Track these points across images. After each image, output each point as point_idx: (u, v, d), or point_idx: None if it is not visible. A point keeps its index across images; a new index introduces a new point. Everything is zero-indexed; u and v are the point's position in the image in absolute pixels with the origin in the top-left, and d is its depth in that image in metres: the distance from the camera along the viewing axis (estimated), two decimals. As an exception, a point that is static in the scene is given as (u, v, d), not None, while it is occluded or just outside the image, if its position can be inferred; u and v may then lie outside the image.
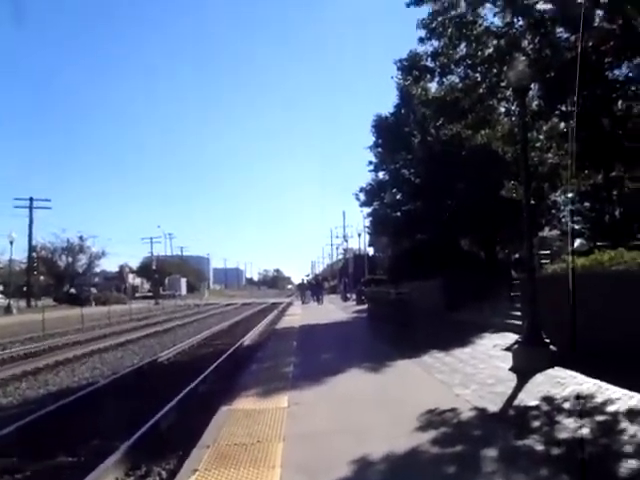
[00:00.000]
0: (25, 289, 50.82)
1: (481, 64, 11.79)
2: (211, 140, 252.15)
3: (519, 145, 9.37)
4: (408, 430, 5.04)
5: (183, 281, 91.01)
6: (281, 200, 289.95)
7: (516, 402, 6.04)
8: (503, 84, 11.50)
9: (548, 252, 17.21)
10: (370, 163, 26.09)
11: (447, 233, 21.76)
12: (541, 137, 13.17)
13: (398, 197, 25.43)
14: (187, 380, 9.17)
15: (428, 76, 12.79)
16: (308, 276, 69.94)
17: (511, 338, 10.32)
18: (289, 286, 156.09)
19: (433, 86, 14.93)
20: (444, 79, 12.79)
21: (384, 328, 14.51)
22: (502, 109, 13.28)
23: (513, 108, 12.57)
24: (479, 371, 8.07)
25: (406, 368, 8.76)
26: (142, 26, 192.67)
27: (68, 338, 19.23)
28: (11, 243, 41.63)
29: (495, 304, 14.93)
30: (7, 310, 35.29)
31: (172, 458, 5.47)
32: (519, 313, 11.67)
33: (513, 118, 12.75)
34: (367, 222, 38.55)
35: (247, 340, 16.36)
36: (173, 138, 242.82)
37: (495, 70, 11.51)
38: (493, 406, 5.85)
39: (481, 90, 12.14)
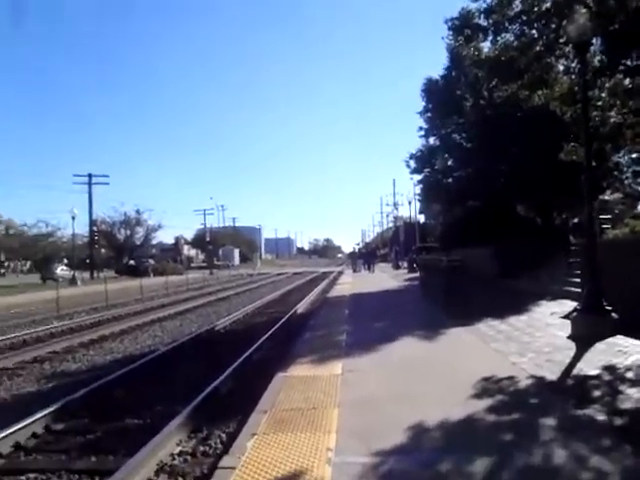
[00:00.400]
0: (88, 262, 53.32)
1: (538, 20, 11.16)
2: (262, 112, 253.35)
3: (579, 104, 8.89)
4: (463, 398, 5.02)
5: (236, 251, 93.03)
6: (332, 169, 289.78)
7: (575, 371, 5.90)
8: (562, 40, 10.87)
9: (609, 217, 16.47)
10: (420, 129, 25.51)
11: (501, 199, 21.14)
12: (603, 95, 12.41)
13: (449, 163, 24.82)
14: (243, 347, 9.43)
15: (481, 35, 12.24)
16: (358, 245, 69.98)
17: (569, 306, 10.03)
18: (339, 255, 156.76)
19: (486, 46, 14.30)
20: (498, 38, 12.21)
21: (437, 296, 14.38)
22: (561, 67, 12.58)
23: (573, 65, 11.89)
24: (536, 339, 7.91)
25: (460, 336, 8.68)
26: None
27: (129, 308, 20.09)
28: (73, 218, 43.51)
29: (552, 271, 14.49)
30: (72, 282, 37.19)
31: (231, 422, 5.68)
32: (578, 280, 11.29)
33: (573, 76, 12.06)
34: (418, 189, 37.94)
35: (300, 308, 16.62)
36: (225, 111, 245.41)
37: (553, 25, 10.87)
38: (551, 375, 5.74)
39: (538, 48, 11.52)
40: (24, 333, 13.50)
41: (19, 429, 5.37)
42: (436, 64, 26.13)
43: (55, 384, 8.19)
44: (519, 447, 3.80)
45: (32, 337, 12.96)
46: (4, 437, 5.14)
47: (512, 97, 16.12)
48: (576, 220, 24.97)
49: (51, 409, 5.99)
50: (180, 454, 4.89)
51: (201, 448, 5.04)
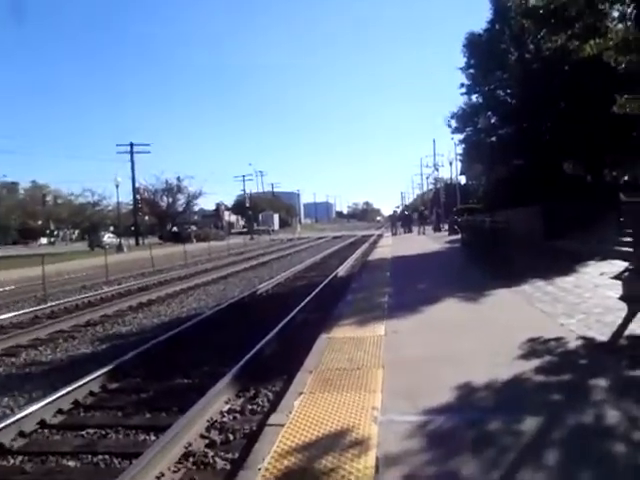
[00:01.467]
0: (133, 229, 54.81)
1: (591, -37, 10.46)
2: (298, 80, 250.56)
3: (636, 54, 8.35)
4: (510, 358, 4.96)
5: (275, 217, 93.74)
6: (370, 132, 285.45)
7: (627, 332, 5.71)
8: (618, -17, 10.17)
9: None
10: (462, 85, 24.62)
11: (547, 157, 20.35)
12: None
13: (493, 121, 23.98)
14: (286, 310, 9.56)
15: (529, -17, 11.58)
16: (398, 207, 69.20)
17: (620, 266, 9.64)
18: (378, 218, 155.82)
19: (533, -6, 13.53)
20: (547, -16, 11.52)
21: (479, 258, 14.15)
22: (615, 13, 11.79)
23: (629, 11, 11.13)
24: (584, 300, 7.70)
25: (504, 297, 8.54)
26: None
27: (174, 273, 20.63)
28: (117, 187, 44.78)
29: (602, 231, 13.97)
30: (119, 248, 38.39)
31: (277, 382, 5.80)
32: (630, 239, 10.85)
33: (629, 23, 11.32)
34: (459, 149, 37.02)
35: (341, 272, 16.68)
36: (264, 78, 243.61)
37: (608, -32, 10.17)
38: (601, 336, 5.58)
39: (591, -7, 10.83)
40: (76, 298, 14.07)
41: (77, 387, 5.64)
42: (479, 18, 25.11)
43: (108, 346, 8.54)
44: (570, 408, 3.74)
45: (84, 302, 13.49)
46: (64, 395, 5.41)
47: (560, 49, 15.29)
48: (627, 177, 23.91)
49: (106, 369, 6.26)
50: (229, 412, 5.04)
51: (249, 406, 5.18)
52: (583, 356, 5.00)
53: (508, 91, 22.76)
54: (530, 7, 12.19)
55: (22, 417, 4.82)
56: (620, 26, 11.93)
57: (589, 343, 5.36)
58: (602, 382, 4.22)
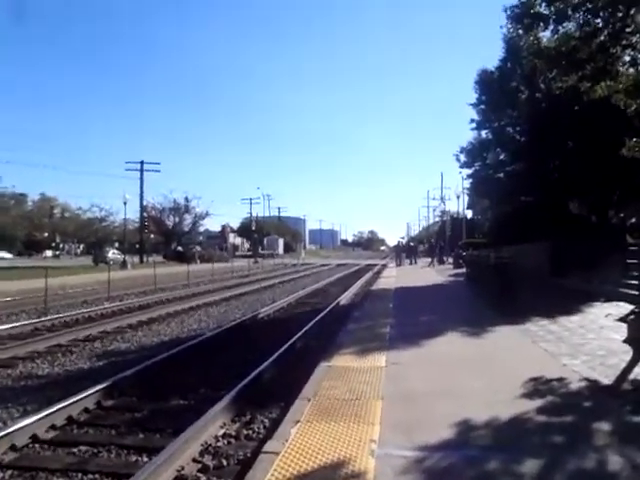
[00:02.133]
0: (137, 246, 54.98)
1: (604, 8, 10.62)
2: (307, 106, 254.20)
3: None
4: (511, 397, 4.89)
5: (280, 241, 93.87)
6: (378, 162, 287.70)
7: (632, 376, 5.64)
8: (629, 29, 10.33)
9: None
10: (472, 121, 24.88)
11: (554, 195, 20.41)
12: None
13: (502, 157, 24.16)
14: (286, 336, 9.48)
15: (541, 24, 11.73)
16: (403, 238, 69.18)
17: (626, 308, 9.58)
18: (382, 247, 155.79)
19: (545, 36, 13.73)
20: (559, 27, 11.68)
21: (484, 293, 14.09)
22: (627, 57, 11.96)
23: (640, 56, 11.30)
24: (588, 341, 7.63)
25: (507, 334, 8.46)
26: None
27: (176, 292, 20.57)
28: (125, 204, 45.10)
29: (607, 272, 13.89)
30: (123, 265, 38.43)
31: (274, 408, 5.72)
32: (635, 282, 10.80)
33: (640, 68, 11.48)
34: (467, 184, 37.15)
35: (343, 300, 16.60)
36: (271, 102, 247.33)
37: (620, 14, 10.33)
38: (605, 379, 5.51)
39: (602, 37, 10.98)
40: (77, 312, 14.03)
41: (72, 403, 5.58)
42: (491, 56, 25.51)
43: (105, 362, 8.48)
44: (570, 451, 3.67)
45: (84, 317, 13.45)
46: (58, 410, 5.35)
47: (570, 90, 15.46)
48: (634, 220, 23.90)
49: (102, 386, 6.20)
50: (224, 436, 4.96)
51: (244, 432, 5.09)
52: (586, 398, 4.92)
53: (517, 128, 22.96)
54: (542, 48, 12.35)
55: (14, 431, 4.75)
56: (631, 70, 12.09)
57: (592, 385, 5.28)
58: (605, 426, 4.15)
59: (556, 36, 11.91)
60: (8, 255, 44.01)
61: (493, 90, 22.53)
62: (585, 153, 17.62)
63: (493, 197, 27.13)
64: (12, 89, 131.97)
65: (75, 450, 4.71)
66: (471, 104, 24.29)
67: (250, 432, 5.09)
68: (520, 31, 12.70)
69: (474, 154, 25.33)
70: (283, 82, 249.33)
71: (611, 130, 15.42)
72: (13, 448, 4.64)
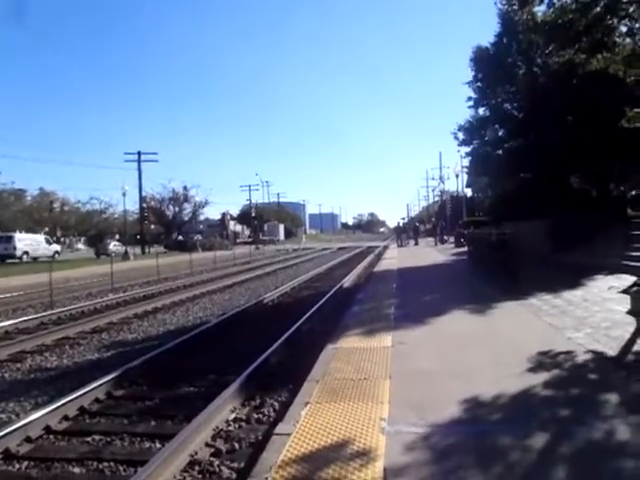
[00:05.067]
0: (138, 237, 54.98)
1: (599, -22, 10.53)
2: (306, 91, 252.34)
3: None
4: (518, 372, 4.93)
5: (281, 227, 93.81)
6: (376, 144, 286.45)
7: (636, 347, 5.68)
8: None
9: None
10: (469, 99, 24.57)
11: (554, 170, 20.29)
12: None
13: (500, 134, 23.95)
14: (292, 320, 9.55)
15: (536, -1, 11.65)
16: (404, 219, 69.08)
17: (629, 280, 9.60)
18: (381, 229, 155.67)
19: (540, 10, 13.59)
20: (554, 0, 11.58)
21: (486, 270, 14.11)
22: (623, 28, 11.86)
23: (638, 26, 11.17)
24: (592, 314, 7.66)
25: (512, 310, 8.51)
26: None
27: (180, 281, 20.66)
28: (124, 195, 45.16)
29: (609, 245, 13.90)
30: (125, 256, 38.48)
31: (283, 391, 5.79)
32: (638, 253, 10.80)
33: (638, 37, 11.36)
34: (465, 162, 37.02)
35: (346, 282, 16.65)
36: (270, 88, 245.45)
37: (616, -16, 10.24)
38: (610, 350, 5.55)
39: (598, 9, 10.88)
40: (82, 305, 14.11)
41: (83, 394, 5.64)
42: (486, 32, 25.22)
43: (113, 353, 8.55)
44: (579, 422, 3.71)
45: (90, 309, 13.53)
46: (70, 401, 5.41)
47: (567, 63, 15.36)
48: (634, 192, 23.82)
49: (111, 376, 6.26)
50: (235, 420, 5.03)
51: (255, 416, 5.16)
52: (592, 370, 4.96)
53: (515, 104, 22.75)
54: (538, 22, 12.25)
55: (28, 423, 4.82)
56: (628, 40, 11.99)
57: (597, 357, 5.32)
58: (611, 397, 4.19)
59: (551, 9, 11.80)
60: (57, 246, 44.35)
61: (489, 67, 22.28)
62: (584, 126, 17.51)
63: (492, 175, 26.98)
64: (10, 83, 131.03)
65: (89, 439, 4.78)
66: (467, 82, 24.08)
67: (260, 416, 5.15)
68: (515, 6, 12.58)
69: (472, 132, 25.11)
70: (281, 68, 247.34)
71: (610, 102, 15.31)
72: (28, 440, 4.71)
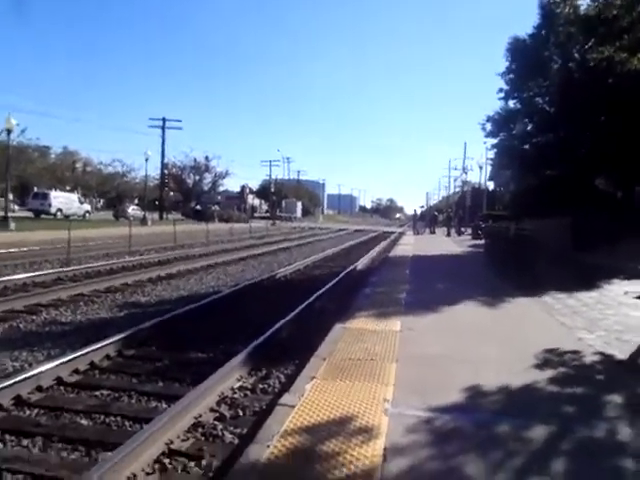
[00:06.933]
0: (157, 203, 55.39)
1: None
2: (334, 70, 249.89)
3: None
4: (524, 366, 4.93)
5: (299, 204, 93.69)
6: (400, 129, 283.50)
7: (647, 352, 5.63)
8: (673, -2, 9.89)
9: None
10: (500, 90, 24.10)
11: (581, 169, 19.94)
12: None
13: (529, 128, 23.51)
14: (303, 297, 9.59)
15: (581, -10, 11.31)
16: (422, 207, 68.70)
17: (645, 286, 9.52)
18: (397, 215, 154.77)
19: (584, 3, 13.21)
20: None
21: (502, 264, 14.01)
22: (668, 28, 11.51)
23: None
24: (605, 317, 7.59)
25: (524, 306, 8.47)
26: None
27: (195, 250, 20.85)
28: (146, 160, 45.26)
29: (630, 249, 13.71)
30: (143, 221, 38.83)
31: (290, 365, 5.85)
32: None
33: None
34: (490, 154, 36.49)
35: (360, 265, 16.66)
36: (299, 66, 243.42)
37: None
38: (620, 354, 5.50)
39: (646, 6, 10.57)
40: (99, 264, 14.34)
41: (94, 350, 5.77)
42: (523, 24, 24.60)
43: (126, 313, 8.70)
44: (580, 420, 3.71)
45: (106, 269, 13.74)
46: (82, 355, 5.54)
47: (606, 60, 14.93)
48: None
49: (123, 335, 6.38)
50: (240, 389, 5.11)
51: (260, 385, 5.23)
52: (599, 371, 4.94)
53: (547, 99, 22.29)
54: (580, 16, 11.92)
55: (40, 372, 4.95)
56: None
57: (607, 359, 5.29)
58: (616, 399, 4.18)
59: (596, 3, 11.47)
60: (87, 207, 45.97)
61: (524, 58, 21.78)
62: (617, 127, 17.12)
63: (517, 169, 26.57)
64: (45, 41, 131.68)
65: (97, 393, 4.90)
66: (500, 73, 23.60)
67: (266, 386, 5.22)
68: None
69: (500, 124, 24.68)
70: (312, 55, 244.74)
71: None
72: (39, 389, 4.84)
